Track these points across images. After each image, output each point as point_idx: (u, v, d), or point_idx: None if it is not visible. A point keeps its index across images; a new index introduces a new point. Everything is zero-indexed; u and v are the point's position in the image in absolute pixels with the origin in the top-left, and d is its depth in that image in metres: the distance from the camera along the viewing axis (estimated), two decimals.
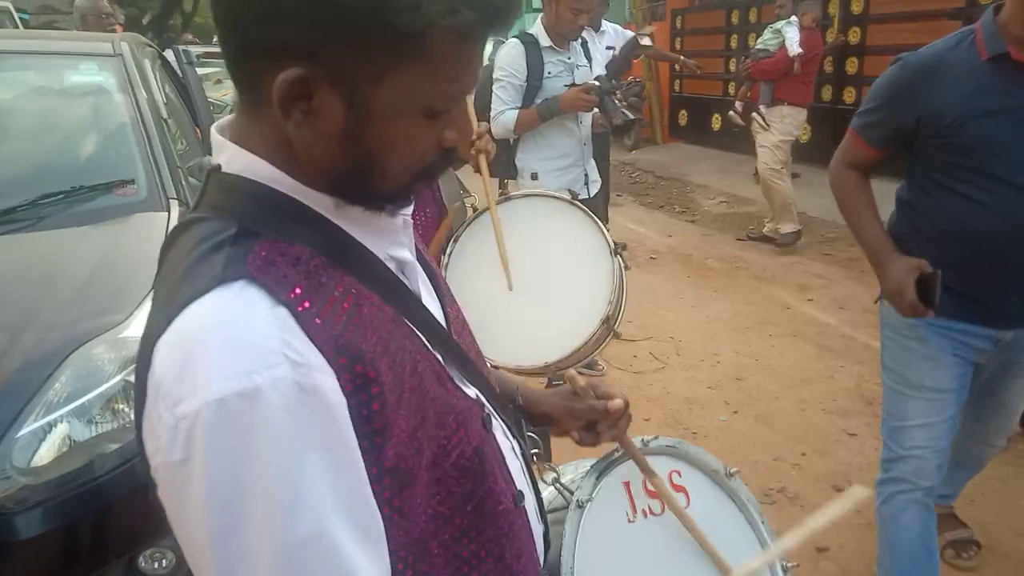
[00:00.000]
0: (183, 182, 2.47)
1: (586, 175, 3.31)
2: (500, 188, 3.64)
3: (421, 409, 0.70)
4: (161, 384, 0.62)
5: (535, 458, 1.06)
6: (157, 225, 2.20)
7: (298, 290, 0.64)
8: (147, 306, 2.01)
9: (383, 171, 0.70)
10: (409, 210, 0.80)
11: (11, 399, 1.61)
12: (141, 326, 1.86)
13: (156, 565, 1.72)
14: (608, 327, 2.00)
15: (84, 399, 1.67)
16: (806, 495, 2.87)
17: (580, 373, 3.78)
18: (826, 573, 2.48)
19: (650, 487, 1.16)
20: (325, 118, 0.66)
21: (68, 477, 1.61)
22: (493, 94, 3.14)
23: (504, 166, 3.31)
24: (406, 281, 0.78)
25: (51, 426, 1.63)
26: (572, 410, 1.06)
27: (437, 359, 0.76)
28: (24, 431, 1.59)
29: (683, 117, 10.20)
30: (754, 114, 5.74)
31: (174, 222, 2.22)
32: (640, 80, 10.01)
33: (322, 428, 0.62)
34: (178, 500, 0.63)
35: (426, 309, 0.79)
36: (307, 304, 0.64)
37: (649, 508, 1.14)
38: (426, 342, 0.75)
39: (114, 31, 4.70)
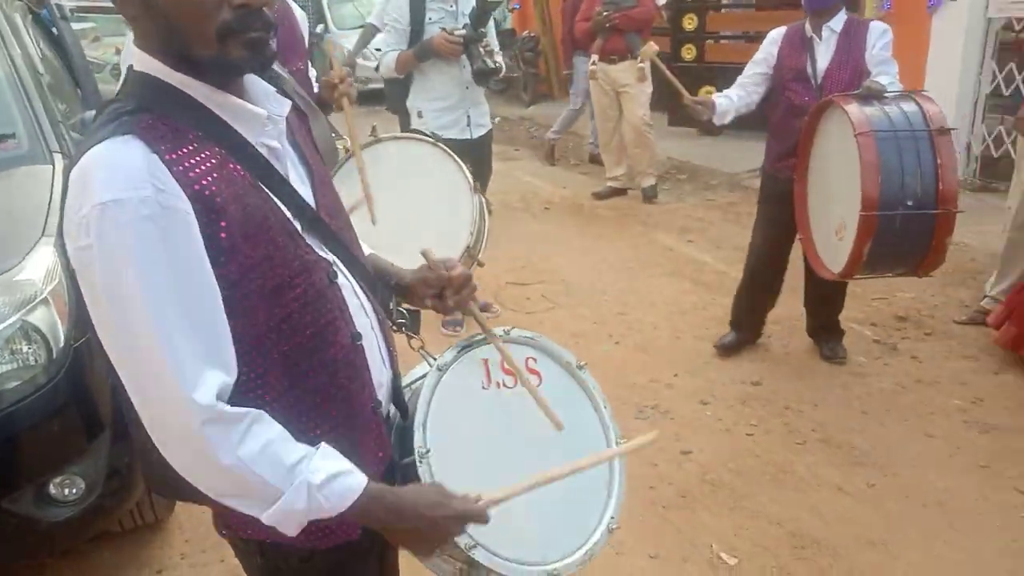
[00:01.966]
0: (66, 136, 2.50)
1: (469, 117, 3.54)
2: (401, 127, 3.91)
3: (268, 249, 0.97)
4: (71, 199, 0.90)
5: (402, 328, 1.32)
6: (42, 177, 2.24)
7: (170, 146, 0.90)
8: (38, 252, 2.08)
9: (185, 30, 0.92)
10: (281, 110, 1.05)
11: None
12: (34, 270, 1.95)
13: (66, 492, 1.84)
14: (471, 256, 2.21)
15: None
16: (676, 409, 3.21)
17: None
18: (689, 471, 2.81)
19: (506, 366, 1.35)
20: None
21: None
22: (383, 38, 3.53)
23: (400, 105, 3.63)
24: (276, 164, 1.03)
25: None
26: (425, 279, 1.28)
27: (290, 221, 1.01)
28: None
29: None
30: (640, 65, 5.76)
31: (59, 175, 2.29)
32: (535, 34, 10.14)
33: (175, 235, 0.89)
34: (87, 279, 0.91)
35: (290, 186, 1.04)
36: (175, 156, 0.90)
37: (502, 382, 1.34)
38: (282, 207, 1.01)
39: None
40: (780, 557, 2.39)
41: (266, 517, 0.96)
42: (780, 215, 3.22)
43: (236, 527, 1.11)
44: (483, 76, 3.45)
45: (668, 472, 2.81)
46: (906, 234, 2.71)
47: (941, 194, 2.68)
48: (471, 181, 2.29)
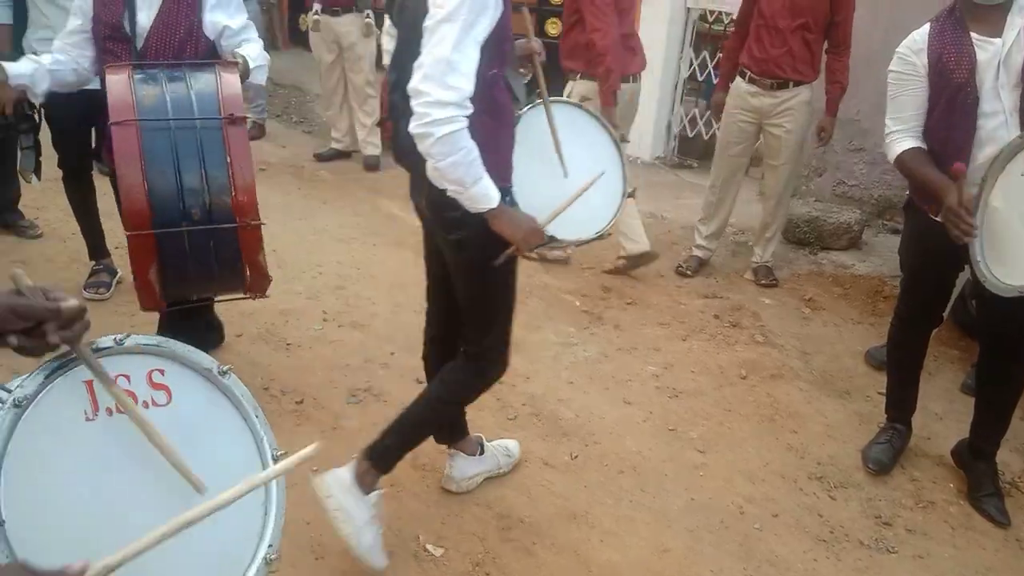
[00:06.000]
0: None
1: None
2: None
3: None
4: None
5: None
6: None
7: None
8: None
9: None
10: None
11: None
12: None
13: None
14: (628, 196, 2.51)
15: None
16: (391, 391, 3.06)
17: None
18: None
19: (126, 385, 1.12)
20: None
21: None
22: None
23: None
24: None
25: None
26: (15, 308, 0.98)
27: None
28: None
29: (304, 22, 9.77)
30: (366, 20, 5.37)
31: None
32: None
33: None
34: None
35: None
36: None
37: (116, 406, 1.09)
38: None
39: None
40: (487, 541, 2.36)
41: None
42: None
43: None
44: None
45: None
46: (206, 255, 2.15)
47: (237, 204, 2.12)
48: (615, 136, 2.53)
